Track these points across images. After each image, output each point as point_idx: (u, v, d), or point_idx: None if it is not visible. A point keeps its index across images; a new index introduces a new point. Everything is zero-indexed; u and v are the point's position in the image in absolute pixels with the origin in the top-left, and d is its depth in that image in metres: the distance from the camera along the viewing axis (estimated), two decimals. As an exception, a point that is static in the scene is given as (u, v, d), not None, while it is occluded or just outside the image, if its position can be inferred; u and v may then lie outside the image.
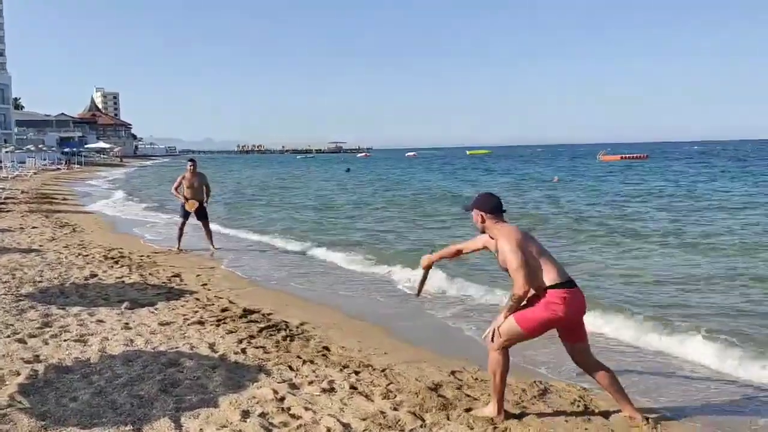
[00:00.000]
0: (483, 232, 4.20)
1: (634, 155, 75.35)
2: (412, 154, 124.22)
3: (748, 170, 40.45)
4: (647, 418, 4.11)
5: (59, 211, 18.84)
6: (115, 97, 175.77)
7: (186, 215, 11.79)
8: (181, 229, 11.82)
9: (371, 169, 59.48)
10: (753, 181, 30.52)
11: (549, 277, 3.89)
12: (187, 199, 11.74)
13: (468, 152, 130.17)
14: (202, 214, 11.85)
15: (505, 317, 3.99)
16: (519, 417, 4.20)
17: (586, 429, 4.04)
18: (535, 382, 4.88)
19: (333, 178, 45.70)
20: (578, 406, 4.44)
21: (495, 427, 4.00)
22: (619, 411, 4.21)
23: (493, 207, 4.10)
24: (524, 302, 3.96)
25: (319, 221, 17.59)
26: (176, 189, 11.94)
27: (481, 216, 4.11)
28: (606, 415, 4.25)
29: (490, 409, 4.17)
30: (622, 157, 71.80)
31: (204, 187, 11.95)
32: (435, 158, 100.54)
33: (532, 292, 3.93)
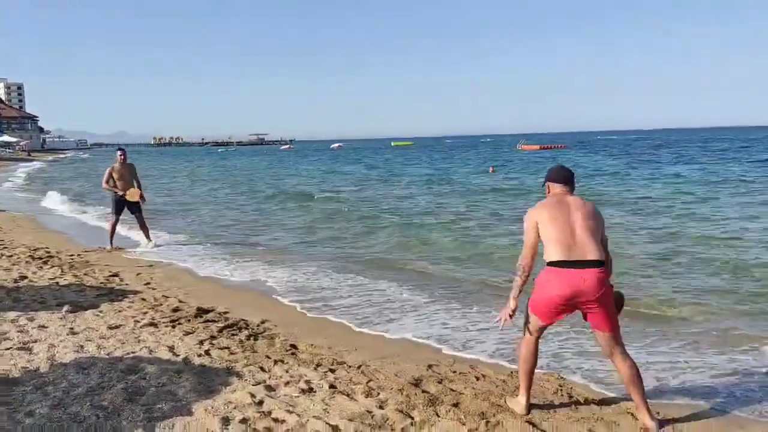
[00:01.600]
0: None
1: (554, 145, 77.85)
2: (337, 145, 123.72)
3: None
4: (661, 424, 3.90)
5: (-31, 210, 17.50)
6: (19, 88, 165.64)
7: (119, 210, 11.08)
8: (114, 226, 11.16)
9: (298, 163, 58.72)
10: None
11: (549, 252, 3.82)
12: (123, 192, 10.99)
13: (393, 143, 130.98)
14: (135, 207, 11.13)
15: (513, 297, 3.93)
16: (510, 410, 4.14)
17: (578, 420, 4.01)
18: (512, 372, 4.84)
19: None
20: (561, 394, 4.43)
21: (487, 422, 3.91)
22: (609, 403, 4.22)
23: (553, 177, 4.10)
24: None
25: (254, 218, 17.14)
26: (107, 182, 11.08)
27: (548, 186, 4.13)
28: (592, 402, 4.26)
29: (515, 403, 4.12)
30: (541, 147, 74.01)
31: (135, 179, 11.23)
32: (361, 149, 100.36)
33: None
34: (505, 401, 4.23)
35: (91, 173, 41.11)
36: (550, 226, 3.84)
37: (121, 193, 11.02)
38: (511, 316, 3.97)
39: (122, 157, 11.11)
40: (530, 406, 4.10)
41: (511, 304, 3.95)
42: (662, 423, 3.90)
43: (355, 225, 14.50)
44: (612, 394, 4.41)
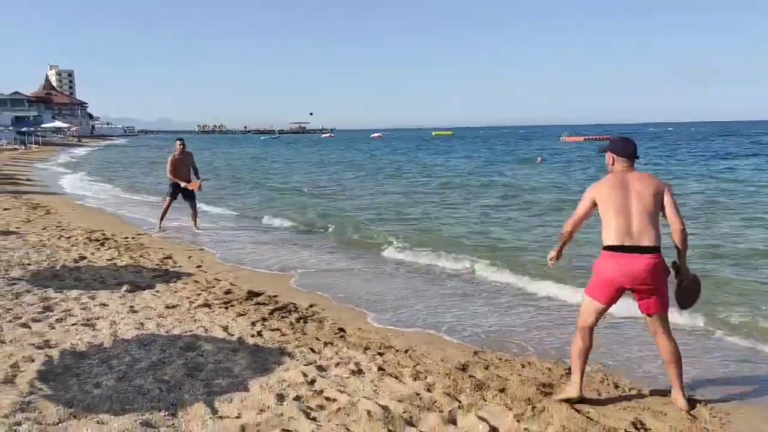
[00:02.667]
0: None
1: (600, 137, 76.29)
2: (377, 135, 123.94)
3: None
4: (692, 405, 4.07)
5: (27, 192, 18.20)
6: (70, 75, 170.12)
7: (174, 195, 11.54)
8: (167, 209, 11.67)
9: (341, 151, 58.97)
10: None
11: (606, 236, 3.92)
12: (183, 181, 11.47)
13: (433, 133, 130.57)
14: (190, 194, 11.62)
15: (556, 250, 4.31)
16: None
17: (625, 408, 4.06)
18: (557, 361, 4.91)
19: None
20: (607, 384, 4.48)
21: (533, 407, 3.99)
22: (655, 394, 4.27)
23: (619, 150, 4.11)
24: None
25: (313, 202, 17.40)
26: (171, 172, 11.47)
27: (612, 158, 4.14)
28: (639, 392, 4.31)
29: (568, 389, 4.16)
30: (585, 139, 72.75)
31: (192, 167, 11.71)
32: (403, 139, 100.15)
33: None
34: (555, 391, 4.28)
35: (141, 160, 42.13)
36: (609, 209, 3.92)
37: (183, 184, 11.46)
38: (552, 260, 4.36)
39: (181, 146, 11.58)
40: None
41: (554, 253, 4.34)
42: (693, 402, 4.10)
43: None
44: (658, 387, 4.44)
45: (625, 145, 4.12)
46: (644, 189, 3.94)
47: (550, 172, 27.43)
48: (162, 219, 11.67)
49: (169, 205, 11.65)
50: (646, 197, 3.91)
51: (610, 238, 3.89)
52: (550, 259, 4.37)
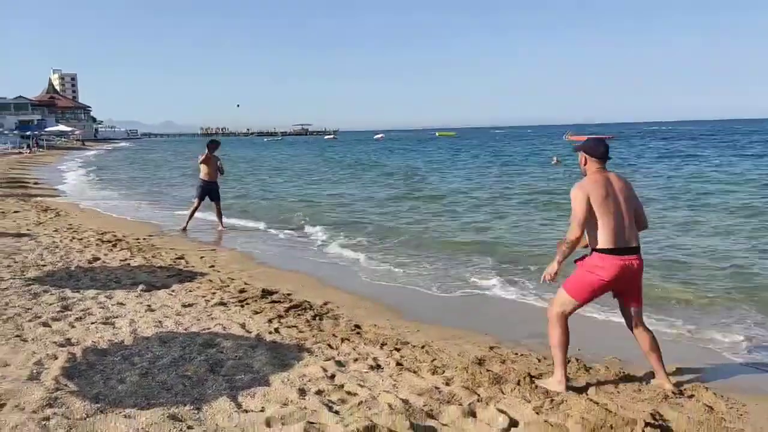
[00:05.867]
0: (584, 174, 4.27)
1: (603, 136, 76.07)
2: (380, 136, 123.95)
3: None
4: (679, 388, 4.28)
5: (36, 196, 18.32)
6: (73, 79, 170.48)
7: (202, 197, 12.00)
8: (195, 210, 12.09)
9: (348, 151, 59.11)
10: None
11: (601, 239, 4.02)
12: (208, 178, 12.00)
13: (437, 134, 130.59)
14: (215, 195, 12.14)
15: (558, 262, 4.16)
16: (576, 390, 4.26)
17: (642, 401, 4.11)
18: (572, 357, 4.96)
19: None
20: (623, 376, 4.54)
21: (552, 400, 4.05)
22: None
23: (596, 152, 4.21)
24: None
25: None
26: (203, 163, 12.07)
27: (585, 158, 4.25)
28: (640, 380, 4.38)
29: (553, 381, 4.25)
30: (588, 138, 72.62)
31: (217, 168, 12.15)
32: (407, 140, 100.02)
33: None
34: (539, 382, 4.32)
35: (146, 162, 42.24)
36: (604, 215, 4.02)
37: (206, 178, 11.99)
38: (553, 277, 4.21)
39: (211, 148, 12.08)
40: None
41: (556, 266, 4.18)
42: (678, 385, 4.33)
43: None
44: (675, 379, 4.48)
45: (597, 145, 4.26)
46: (625, 190, 4.15)
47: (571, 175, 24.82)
48: (189, 219, 12.06)
49: (197, 207, 12.10)
50: (629, 198, 4.14)
51: (607, 240, 4.01)
52: (549, 276, 4.21)
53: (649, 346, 4.27)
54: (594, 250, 4.11)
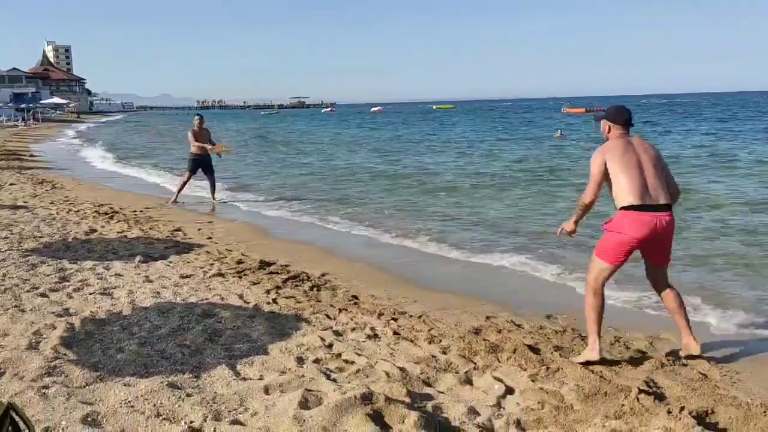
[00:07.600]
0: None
1: (599, 108, 75.70)
2: (377, 109, 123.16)
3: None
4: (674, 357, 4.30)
5: (31, 168, 18.24)
6: (67, 51, 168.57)
7: (194, 169, 11.94)
8: (185, 183, 12.02)
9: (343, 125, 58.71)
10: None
11: (623, 197, 3.99)
12: (200, 151, 11.93)
13: (435, 107, 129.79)
14: (209, 168, 12.07)
15: (574, 222, 4.29)
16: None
17: (636, 368, 4.15)
18: (568, 326, 5.00)
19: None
20: (619, 345, 4.57)
21: (547, 368, 4.08)
22: (667, 354, 4.37)
23: (618, 118, 4.20)
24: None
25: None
26: (195, 140, 11.97)
27: (608, 126, 4.24)
28: (651, 353, 4.41)
29: (586, 351, 4.20)
30: (586, 110, 72.28)
31: (209, 141, 12.10)
32: (404, 114, 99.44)
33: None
34: (574, 357, 4.28)
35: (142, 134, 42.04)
36: (622, 171, 4.00)
37: (209, 147, 11.95)
38: (570, 233, 4.36)
39: (199, 121, 11.99)
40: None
41: (571, 225, 4.32)
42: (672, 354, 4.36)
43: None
44: (671, 348, 4.52)
45: (620, 112, 4.25)
46: (649, 150, 4.14)
47: (575, 147, 24.81)
48: (179, 192, 12.01)
49: (188, 179, 12.04)
50: (654, 158, 4.10)
51: (629, 198, 3.96)
52: (568, 231, 4.34)
53: (677, 305, 4.24)
54: (619, 210, 4.06)
